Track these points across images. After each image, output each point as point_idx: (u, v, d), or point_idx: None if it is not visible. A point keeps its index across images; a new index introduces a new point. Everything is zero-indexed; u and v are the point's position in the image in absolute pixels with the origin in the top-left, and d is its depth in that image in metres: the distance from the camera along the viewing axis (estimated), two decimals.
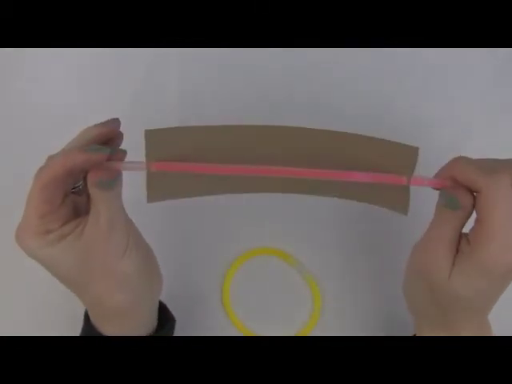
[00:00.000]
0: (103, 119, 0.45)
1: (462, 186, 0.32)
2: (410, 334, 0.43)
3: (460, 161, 0.32)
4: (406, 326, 0.42)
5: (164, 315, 0.39)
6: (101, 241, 0.32)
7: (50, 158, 0.32)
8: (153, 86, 0.46)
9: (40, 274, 0.45)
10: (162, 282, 0.38)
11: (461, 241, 0.33)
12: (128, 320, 0.36)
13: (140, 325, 0.37)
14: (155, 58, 0.46)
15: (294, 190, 0.34)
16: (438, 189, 0.33)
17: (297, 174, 0.32)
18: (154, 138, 0.32)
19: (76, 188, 0.34)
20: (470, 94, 0.46)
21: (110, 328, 0.36)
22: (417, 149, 0.32)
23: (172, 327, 0.40)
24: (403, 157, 0.32)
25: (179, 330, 0.43)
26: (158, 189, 0.33)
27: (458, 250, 0.33)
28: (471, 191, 0.32)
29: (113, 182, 0.32)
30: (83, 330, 0.37)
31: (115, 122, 0.35)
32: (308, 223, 0.46)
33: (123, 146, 0.35)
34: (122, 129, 0.47)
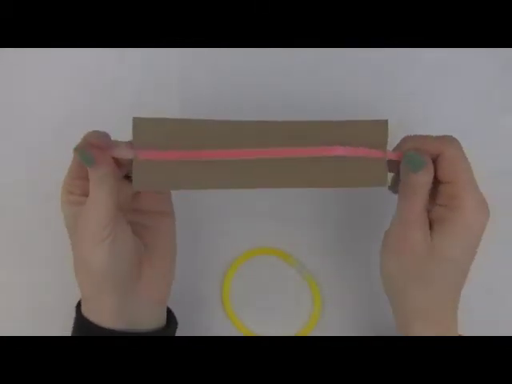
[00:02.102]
0: (103, 119, 0.46)
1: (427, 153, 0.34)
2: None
3: (413, 136, 0.35)
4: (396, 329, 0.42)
5: (168, 318, 0.39)
6: (84, 218, 0.34)
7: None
8: (153, 85, 0.46)
9: (40, 274, 0.45)
10: (155, 291, 0.37)
11: (434, 209, 0.35)
12: (100, 308, 0.36)
13: (116, 317, 0.37)
14: (155, 58, 0.46)
15: (271, 183, 0.35)
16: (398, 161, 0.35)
17: (276, 153, 0.34)
18: (142, 127, 0.33)
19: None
20: (469, 94, 0.46)
21: (91, 311, 0.36)
22: (386, 121, 0.35)
23: (174, 330, 0.40)
24: (375, 132, 0.35)
25: (179, 330, 0.43)
26: (144, 177, 0.34)
27: (432, 218, 0.34)
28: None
29: (89, 157, 0.33)
30: (74, 321, 0.38)
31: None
32: (308, 223, 0.46)
33: None
34: (121, 129, 0.47)
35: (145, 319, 0.37)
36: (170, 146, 0.33)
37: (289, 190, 0.45)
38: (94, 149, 0.33)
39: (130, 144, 0.34)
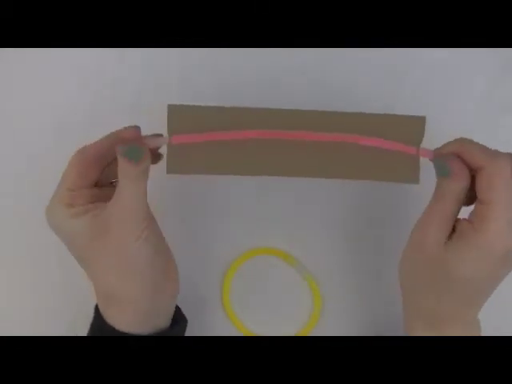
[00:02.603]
0: (103, 119, 0.46)
1: (461, 160, 0.33)
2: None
3: (465, 140, 0.33)
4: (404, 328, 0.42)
5: (177, 316, 0.39)
6: (117, 220, 0.33)
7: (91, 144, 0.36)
8: (153, 85, 0.46)
9: (41, 275, 0.45)
10: (177, 287, 0.38)
11: (461, 221, 0.33)
12: (126, 311, 0.36)
13: (139, 322, 0.36)
14: (155, 58, 0.46)
15: (306, 171, 0.36)
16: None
17: (312, 137, 0.34)
18: (176, 113, 0.35)
19: (114, 182, 0.37)
20: (469, 93, 0.46)
21: (110, 319, 0.36)
22: (423, 118, 0.34)
23: (184, 328, 0.40)
24: (411, 128, 0.34)
25: None
26: (177, 161, 0.35)
27: (456, 229, 0.33)
28: (471, 169, 0.32)
29: (139, 151, 0.33)
30: (92, 323, 0.37)
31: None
32: (308, 223, 0.46)
33: None
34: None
35: (165, 318, 0.38)
36: (201, 130, 0.35)
37: (288, 190, 0.46)
38: (140, 144, 0.34)
39: (155, 135, 0.36)
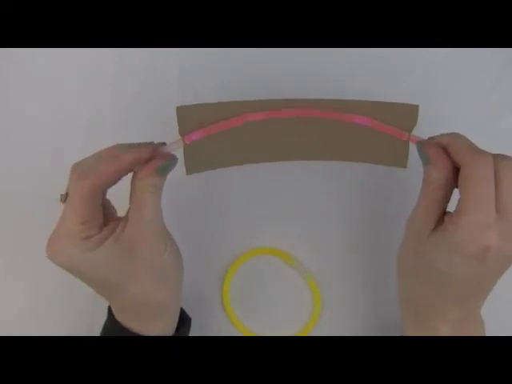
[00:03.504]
0: (103, 119, 0.46)
1: (441, 148, 0.33)
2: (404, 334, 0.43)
3: (456, 134, 0.34)
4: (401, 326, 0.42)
5: (182, 315, 0.40)
6: (144, 236, 0.33)
7: (92, 167, 0.32)
8: (153, 86, 0.46)
9: (40, 275, 0.45)
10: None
11: (447, 214, 0.33)
12: (164, 317, 0.37)
13: (173, 322, 0.38)
14: (155, 58, 0.46)
15: (307, 154, 0.38)
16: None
17: (315, 113, 0.36)
18: (185, 114, 0.35)
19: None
20: (470, 93, 0.46)
21: (143, 327, 0.36)
22: (417, 106, 0.36)
23: (188, 328, 0.41)
24: (404, 115, 0.36)
25: None
26: (194, 161, 0.36)
27: (444, 222, 0.33)
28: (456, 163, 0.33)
29: (168, 164, 0.34)
30: (108, 327, 0.38)
31: (149, 147, 0.35)
32: (308, 223, 0.46)
33: None
34: (121, 128, 0.47)
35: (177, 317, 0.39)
36: (210, 122, 0.35)
37: (288, 190, 0.46)
38: (162, 156, 0.34)
39: (162, 143, 0.35)
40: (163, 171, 0.34)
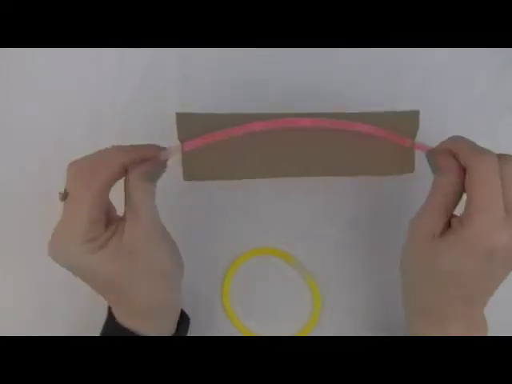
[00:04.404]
0: (103, 119, 0.46)
1: (449, 155, 0.34)
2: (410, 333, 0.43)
3: (457, 137, 0.35)
4: (406, 326, 0.42)
5: (181, 315, 0.40)
6: (143, 237, 0.33)
7: (100, 163, 0.32)
8: (153, 86, 0.46)
9: (40, 275, 0.45)
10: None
11: (455, 217, 0.34)
12: (165, 317, 0.37)
13: (173, 322, 0.38)
14: (155, 58, 0.46)
15: (309, 171, 0.38)
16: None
17: (317, 123, 0.36)
18: (185, 121, 0.35)
19: None
20: (470, 93, 0.46)
21: (144, 326, 0.36)
22: (417, 112, 0.37)
23: (187, 327, 0.41)
24: (406, 123, 0.37)
25: None
26: (193, 168, 0.36)
27: (451, 225, 0.34)
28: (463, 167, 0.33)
29: (154, 172, 0.34)
30: (108, 327, 0.38)
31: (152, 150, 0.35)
32: (308, 223, 0.46)
33: None
34: (121, 129, 0.47)
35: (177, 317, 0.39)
36: (210, 131, 0.35)
37: (288, 190, 0.46)
38: (153, 162, 0.34)
39: (161, 147, 0.35)
40: (150, 177, 0.34)
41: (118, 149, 0.33)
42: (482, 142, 0.34)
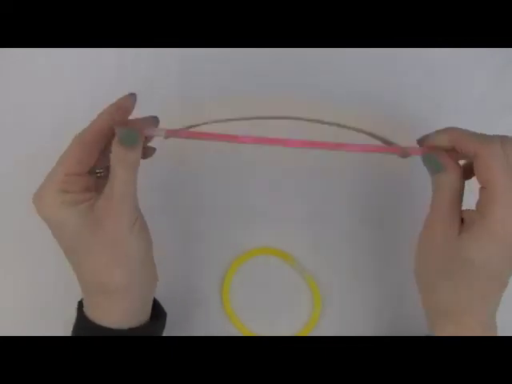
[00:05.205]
0: None
1: (446, 151, 0.34)
2: (410, 333, 0.43)
3: (454, 129, 0.34)
4: (406, 326, 0.42)
5: (157, 310, 0.39)
6: (111, 211, 0.33)
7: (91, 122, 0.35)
8: (153, 86, 0.46)
9: (40, 275, 0.45)
10: (156, 278, 0.38)
11: (468, 212, 0.34)
12: (125, 300, 0.36)
13: (137, 307, 0.37)
14: (155, 58, 0.46)
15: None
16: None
17: (301, 145, 0.35)
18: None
19: (99, 173, 0.36)
20: (470, 94, 0.46)
21: (99, 310, 0.36)
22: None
23: (163, 323, 0.40)
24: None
25: (179, 330, 0.43)
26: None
27: (464, 220, 0.33)
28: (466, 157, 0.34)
29: (135, 137, 0.33)
30: (76, 319, 0.37)
31: (129, 99, 0.36)
32: (308, 223, 0.46)
33: None
34: None
35: (148, 310, 0.38)
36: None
37: (288, 190, 0.46)
38: (144, 128, 0.34)
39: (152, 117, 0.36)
40: (123, 142, 0.33)
41: (104, 110, 0.35)
42: None
